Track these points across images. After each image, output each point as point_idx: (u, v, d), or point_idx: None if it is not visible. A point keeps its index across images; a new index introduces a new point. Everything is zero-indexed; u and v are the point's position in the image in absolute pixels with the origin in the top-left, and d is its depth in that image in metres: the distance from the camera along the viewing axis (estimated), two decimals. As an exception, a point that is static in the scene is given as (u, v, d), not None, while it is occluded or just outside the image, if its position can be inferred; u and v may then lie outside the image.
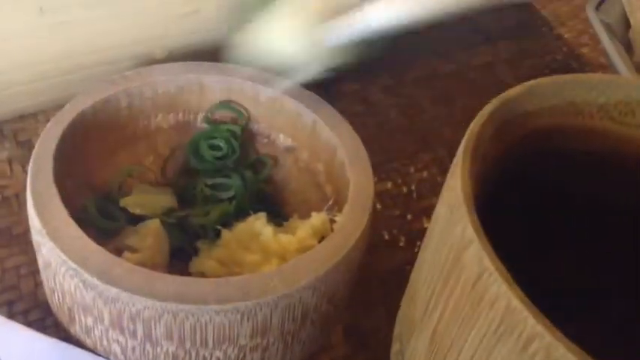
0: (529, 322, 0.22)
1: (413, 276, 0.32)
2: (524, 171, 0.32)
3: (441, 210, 0.29)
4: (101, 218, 0.35)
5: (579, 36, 0.64)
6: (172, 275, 0.30)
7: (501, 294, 0.23)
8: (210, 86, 0.40)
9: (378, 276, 0.42)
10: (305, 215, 0.39)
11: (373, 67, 0.57)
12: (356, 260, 0.34)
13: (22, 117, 0.45)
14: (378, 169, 0.49)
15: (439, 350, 0.27)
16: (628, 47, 0.56)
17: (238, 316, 0.30)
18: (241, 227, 0.35)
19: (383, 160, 0.50)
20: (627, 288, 0.33)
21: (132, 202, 0.36)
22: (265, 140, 0.41)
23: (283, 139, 0.41)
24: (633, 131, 0.33)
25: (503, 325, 0.23)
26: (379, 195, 0.47)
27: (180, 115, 0.41)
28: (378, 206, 0.46)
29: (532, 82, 0.31)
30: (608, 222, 0.32)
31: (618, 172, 0.33)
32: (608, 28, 0.54)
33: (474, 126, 0.29)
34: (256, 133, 0.41)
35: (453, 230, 0.26)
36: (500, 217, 0.31)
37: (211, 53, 0.44)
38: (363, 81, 0.56)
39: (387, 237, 0.44)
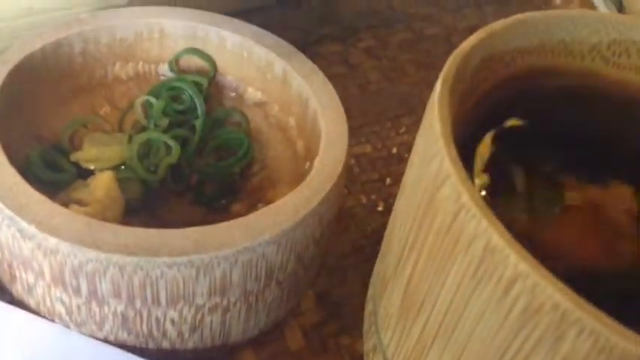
0: (511, 260, 0.19)
1: (387, 231, 0.29)
2: (510, 113, 0.29)
3: (416, 151, 0.26)
4: (45, 169, 0.32)
5: (570, 2, 0.61)
6: (118, 225, 0.27)
7: (480, 232, 0.20)
8: (172, 33, 0.37)
9: (354, 242, 0.40)
10: (276, 172, 0.36)
11: (356, 29, 0.54)
12: (327, 216, 0.31)
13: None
14: (358, 133, 0.46)
15: (413, 303, 0.25)
16: (620, 9, 0.53)
17: (193, 271, 0.27)
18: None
19: (363, 123, 0.47)
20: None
21: (84, 157, 0.33)
22: (233, 94, 0.38)
23: (252, 93, 0.38)
24: (627, 74, 0.31)
25: (482, 267, 0.21)
26: (358, 158, 0.44)
27: (140, 65, 0.38)
28: (356, 170, 0.43)
29: (520, 15, 0.29)
30: (597, 164, 0.29)
31: (611, 115, 0.30)
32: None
33: (454, 57, 0.26)
34: (222, 86, 0.38)
35: (429, 168, 0.24)
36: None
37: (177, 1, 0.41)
38: (344, 42, 0.53)
39: (364, 201, 0.42)
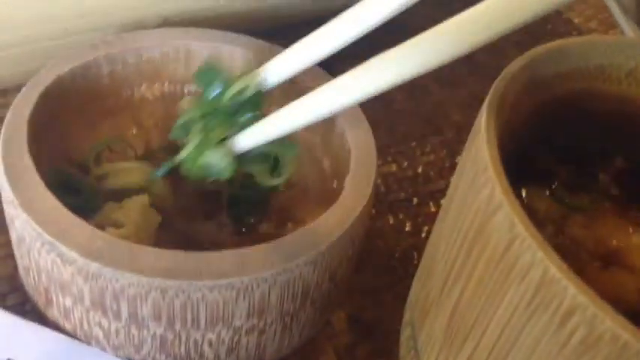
0: (569, 292, 0.19)
1: (426, 254, 0.29)
2: (551, 136, 0.29)
3: (461, 177, 0.26)
4: (69, 195, 0.32)
5: (588, 21, 0.62)
6: (160, 249, 0.27)
7: (536, 262, 0.20)
8: (198, 53, 0.37)
9: (383, 262, 0.40)
10: (303, 191, 0.36)
11: (377, 48, 0.54)
12: (359, 235, 0.31)
13: (3, 91, 0.42)
14: (384, 152, 0.46)
15: (460, 330, 0.25)
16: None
17: (234, 293, 0.27)
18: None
19: (389, 142, 0.47)
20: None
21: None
22: (257, 112, 0.38)
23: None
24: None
25: (538, 297, 0.21)
26: (384, 178, 0.44)
27: (166, 85, 0.38)
28: (383, 189, 0.43)
29: (560, 41, 0.29)
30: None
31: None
32: (623, 7, 0.52)
33: (499, 82, 0.26)
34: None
35: (478, 196, 0.24)
36: (525, 185, 0.28)
37: (210, 22, 0.41)
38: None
39: (392, 221, 0.42)
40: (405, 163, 0.45)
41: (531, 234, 0.21)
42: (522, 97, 0.28)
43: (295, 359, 0.34)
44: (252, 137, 0.31)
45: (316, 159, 0.37)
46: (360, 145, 0.33)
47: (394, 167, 0.45)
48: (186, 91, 0.38)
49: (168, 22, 0.40)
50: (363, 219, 0.31)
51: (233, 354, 0.30)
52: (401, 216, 0.42)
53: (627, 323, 0.19)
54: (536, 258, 0.20)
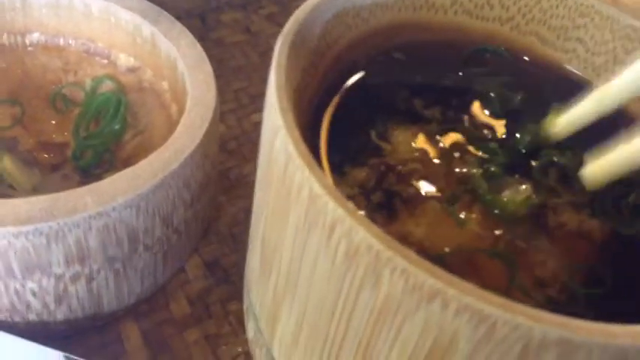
0: (329, 206, 0.19)
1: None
2: (374, 69, 0.29)
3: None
4: None
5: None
6: (-37, 197, 0.26)
7: (304, 180, 0.20)
8: (35, 2, 0.35)
9: (247, 209, 0.39)
10: (150, 139, 0.36)
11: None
12: (195, 178, 0.30)
13: None
14: (258, 100, 0.46)
15: (267, 260, 0.24)
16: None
17: (44, 239, 0.26)
18: None
19: (263, 90, 0.46)
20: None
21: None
22: (105, 61, 0.37)
23: (125, 59, 0.37)
24: (491, 25, 0.31)
25: (310, 214, 0.21)
26: (257, 126, 0.44)
27: (5, 36, 0.36)
28: (254, 137, 0.43)
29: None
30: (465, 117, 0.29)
31: (478, 67, 0.30)
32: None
33: (299, 12, 0.26)
34: (94, 54, 0.37)
35: (267, 123, 0.23)
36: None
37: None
38: (245, 10, 0.52)
39: (258, 170, 0.41)
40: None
41: (300, 153, 0.20)
42: (334, 28, 0.27)
43: (143, 306, 0.33)
44: None
45: (165, 105, 0.36)
46: (199, 87, 0.33)
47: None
48: (27, 42, 0.37)
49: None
50: (196, 161, 0.30)
51: (64, 303, 0.29)
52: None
53: (380, 233, 0.19)
54: (304, 177, 0.20)
